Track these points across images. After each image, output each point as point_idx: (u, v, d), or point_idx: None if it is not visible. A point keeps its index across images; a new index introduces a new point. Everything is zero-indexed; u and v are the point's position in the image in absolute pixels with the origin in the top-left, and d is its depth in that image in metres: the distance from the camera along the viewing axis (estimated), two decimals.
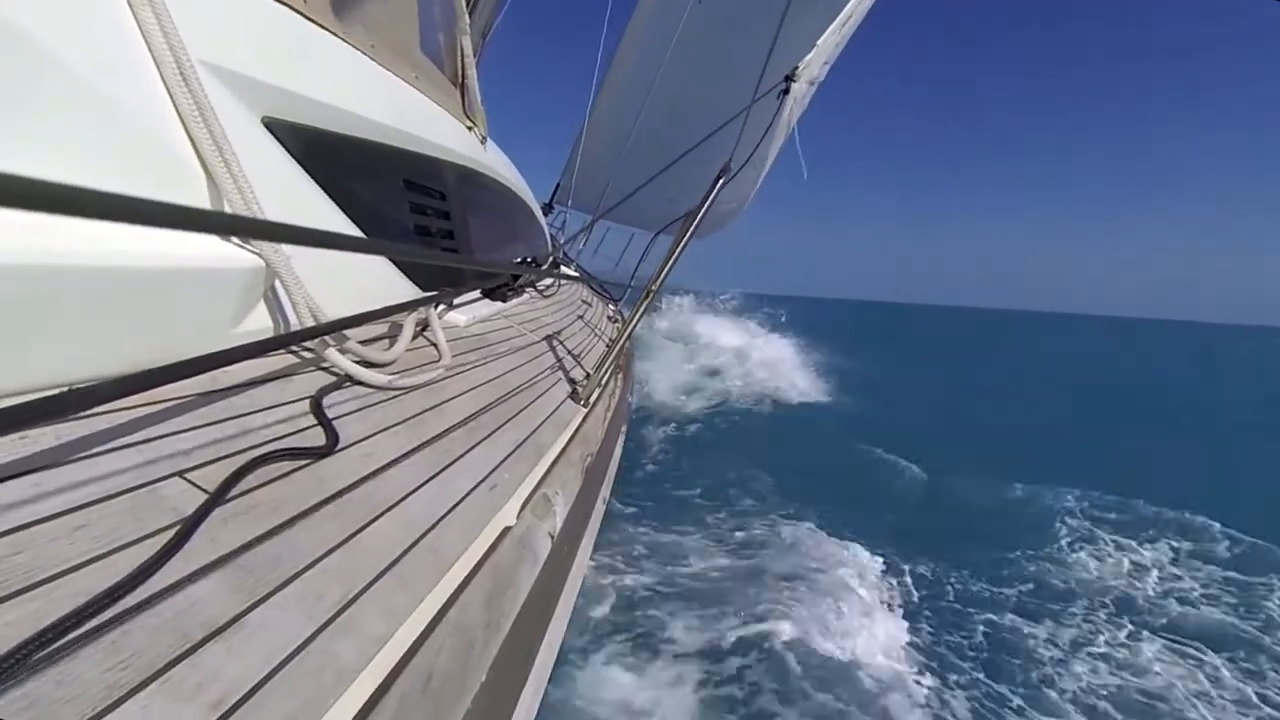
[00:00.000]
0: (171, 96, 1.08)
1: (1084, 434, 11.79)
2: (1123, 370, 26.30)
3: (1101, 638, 4.79)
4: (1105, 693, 4.19)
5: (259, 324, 1.26)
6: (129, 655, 0.53)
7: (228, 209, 1.16)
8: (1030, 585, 5.51)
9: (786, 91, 2.55)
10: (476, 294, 2.75)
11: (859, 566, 5.44)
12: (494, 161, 3.48)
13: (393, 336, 1.65)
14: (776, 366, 15.00)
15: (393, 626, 0.71)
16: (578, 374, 2.27)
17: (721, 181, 2.23)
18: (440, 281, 2.22)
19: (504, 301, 2.87)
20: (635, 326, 2.36)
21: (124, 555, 0.63)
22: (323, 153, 1.58)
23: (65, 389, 0.85)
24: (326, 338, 1.33)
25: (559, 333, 2.86)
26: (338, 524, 0.84)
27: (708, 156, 2.73)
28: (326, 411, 1.12)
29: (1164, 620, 5.07)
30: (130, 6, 1.02)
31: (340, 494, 0.91)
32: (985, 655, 4.49)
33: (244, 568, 0.69)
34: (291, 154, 1.45)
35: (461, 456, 1.21)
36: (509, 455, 1.31)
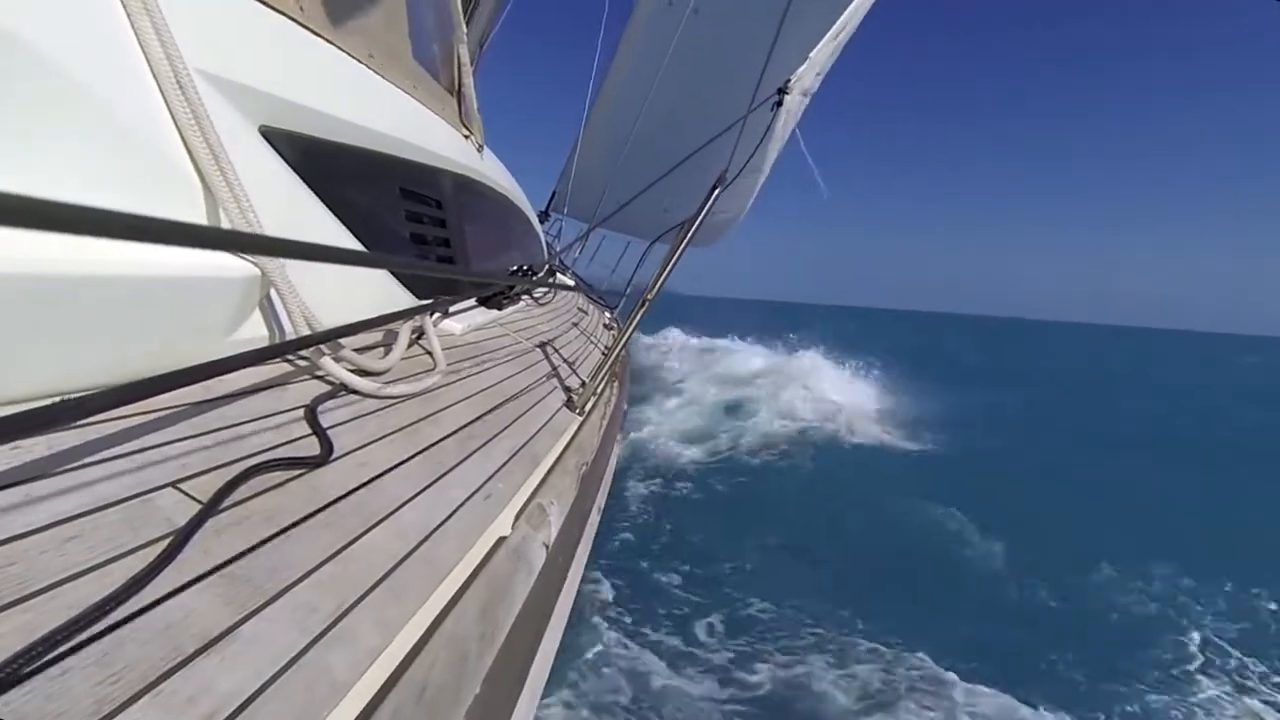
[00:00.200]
0: (168, 105, 1.08)
1: (1227, 498, 8.71)
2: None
3: None
4: None
5: (254, 332, 1.26)
6: (121, 668, 0.53)
7: (224, 218, 1.16)
8: None
9: (779, 104, 2.57)
10: (472, 302, 2.75)
11: None
12: (490, 170, 3.49)
13: (388, 345, 1.65)
14: (815, 394, 12.83)
15: (386, 638, 0.71)
16: (573, 382, 2.27)
17: (717, 191, 2.25)
18: (436, 290, 2.22)
19: (499, 310, 2.87)
20: (631, 335, 2.36)
21: (117, 566, 0.63)
22: (319, 161, 1.58)
23: (58, 399, 0.84)
24: (321, 346, 1.32)
25: (554, 341, 2.86)
26: (331, 534, 0.84)
27: (703, 165, 2.75)
28: (321, 420, 1.12)
29: None
30: (127, 15, 1.02)
31: (334, 504, 0.91)
32: None
33: (237, 579, 0.69)
34: (288, 162, 1.46)
35: (456, 466, 1.21)
36: (504, 464, 1.31)
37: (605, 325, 4.49)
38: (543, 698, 1.12)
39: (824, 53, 2.68)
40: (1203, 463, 10.73)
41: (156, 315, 1.02)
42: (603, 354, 2.47)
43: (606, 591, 4.95)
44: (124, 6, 1.01)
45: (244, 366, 0.89)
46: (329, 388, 1.29)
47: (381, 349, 1.65)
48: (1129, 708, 4.12)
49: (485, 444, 1.37)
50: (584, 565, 1.60)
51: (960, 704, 3.96)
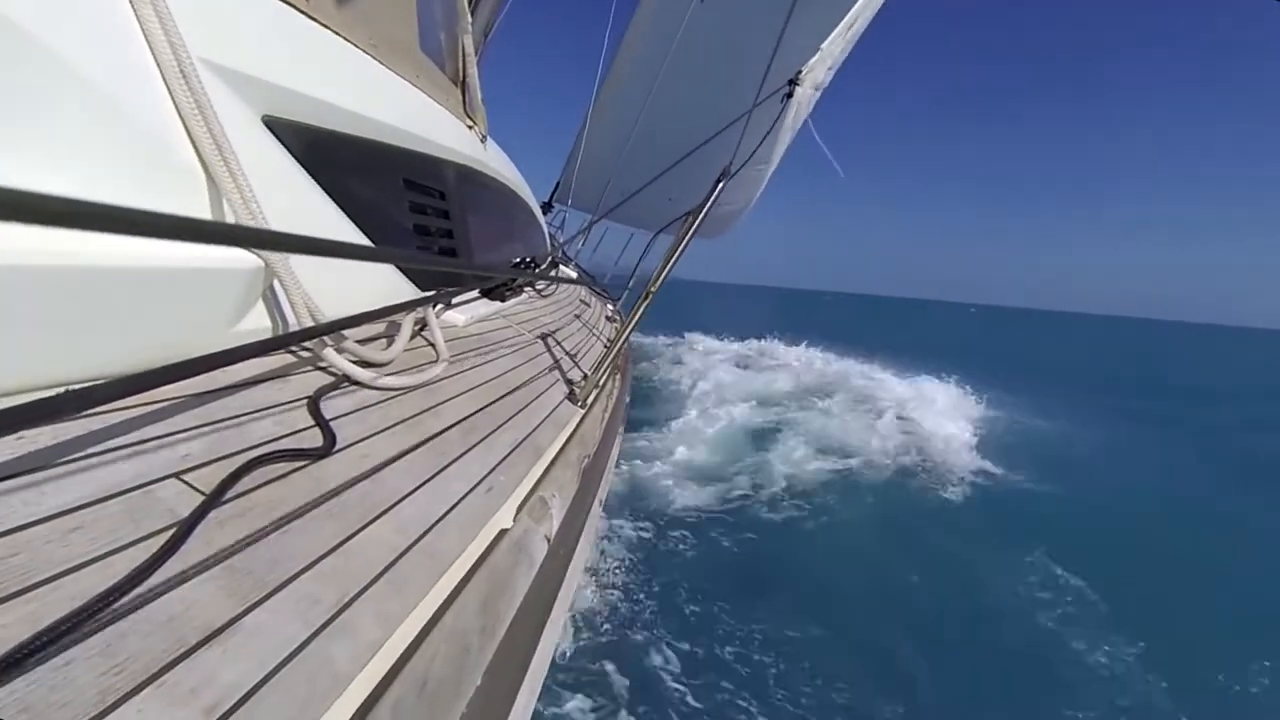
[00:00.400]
0: (171, 94, 1.08)
1: None
2: None
3: None
4: None
5: (257, 324, 1.26)
6: (124, 659, 0.53)
7: (227, 208, 1.16)
8: None
9: (790, 95, 2.55)
10: (475, 294, 2.75)
11: None
12: (494, 160, 3.48)
13: (391, 336, 1.65)
14: (878, 415, 10.58)
15: (388, 630, 0.71)
16: (575, 375, 2.27)
17: (722, 184, 2.23)
18: (439, 281, 2.21)
19: (502, 301, 2.87)
20: (634, 327, 2.36)
21: (120, 557, 0.63)
22: (323, 151, 1.58)
23: (62, 390, 0.84)
24: (324, 338, 1.33)
25: (557, 333, 2.86)
26: (334, 526, 0.84)
27: (709, 157, 2.74)
28: (324, 412, 1.12)
29: None
30: (130, 4, 1.02)
31: (337, 495, 0.91)
32: None
33: (240, 570, 0.69)
34: (291, 152, 1.45)
35: (458, 458, 1.21)
36: (506, 457, 1.31)
37: (608, 317, 4.48)
38: (543, 691, 1.12)
39: (835, 46, 2.66)
40: None
41: (160, 307, 1.02)
42: (605, 346, 2.47)
43: (580, 663, 3.94)
44: None
45: (247, 358, 0.89)
46: (332, 379, 1.29)
47: (384, 340, 1.65)
48: None
49: (487, 436, 1.37)
50: (585, 558, 1.60)
51: None
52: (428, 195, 2.34)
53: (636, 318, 2.30)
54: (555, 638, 1.26)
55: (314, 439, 1.03)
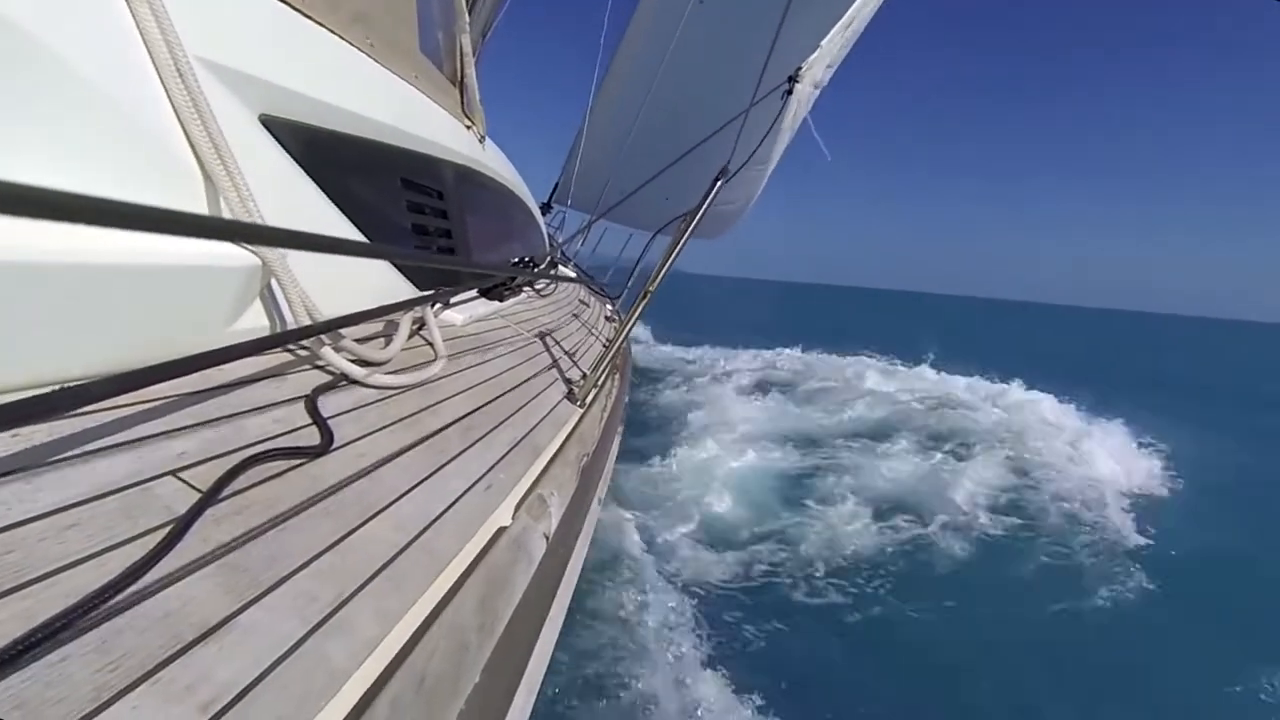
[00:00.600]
0: (168, 93, 1.08)
1: None
2: None
3: None
4: None
5: (254, 322, 1.26)
6: (119, 655, 0.53)
7: (224, 207, 1.15)
8: None
9: (789, 93, 2.55)
10: (473, 293, 2.75)
11: None
12: (492, 161, 3.48)
13: (389, 335, 1.65)
14: (983, 456, 8.22)
15: (385, 628, 0.71)
16: (574, 374, 2.27)
17: (720, 182, 2.23)
18: (437, 280, 2.21)
19: (501, 301, 2.87)
20: (633, 326, 2.35)
21: (115, 555, 0.63)
22: (320, 151, 1.57)
23: (57, 387, 0.84)
24: (322, 336, 1.32)
25: (556, 332, 2.86)
26: (331, 524, 0.84)
27: (708, 157, 2.74)
28: (321, 410, 1.12)
29: None
30: (127, 2, 1.02)
31: (334, 494, 0.91)
32: None
33: (236, 568, 0.69)
34: (289, 152, 1.45)
35: (457, 456, 1.21)
36: (504, 455, 1.31)
37: (607, 317, 4.48)
38: (541, 689, 1.12)
39: (835, 43, 2.66)
40: None
41: (157, 304, 1.02)
42: (604, 346, 2.47)
43: None
44: None
45: (245, 356, 0.89)
46: (329, 378, 1.29)
47: (382, 339, 1.65)
48: None
49: (486, 435, 1.37)
50: (584, 557, 1.60)
51: None
52: (426, 195, 2.34)
53: (635, 316, 2.30)
54: (555, 636, 1.25)
55: (311, 437, 1.03)
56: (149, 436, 0.84)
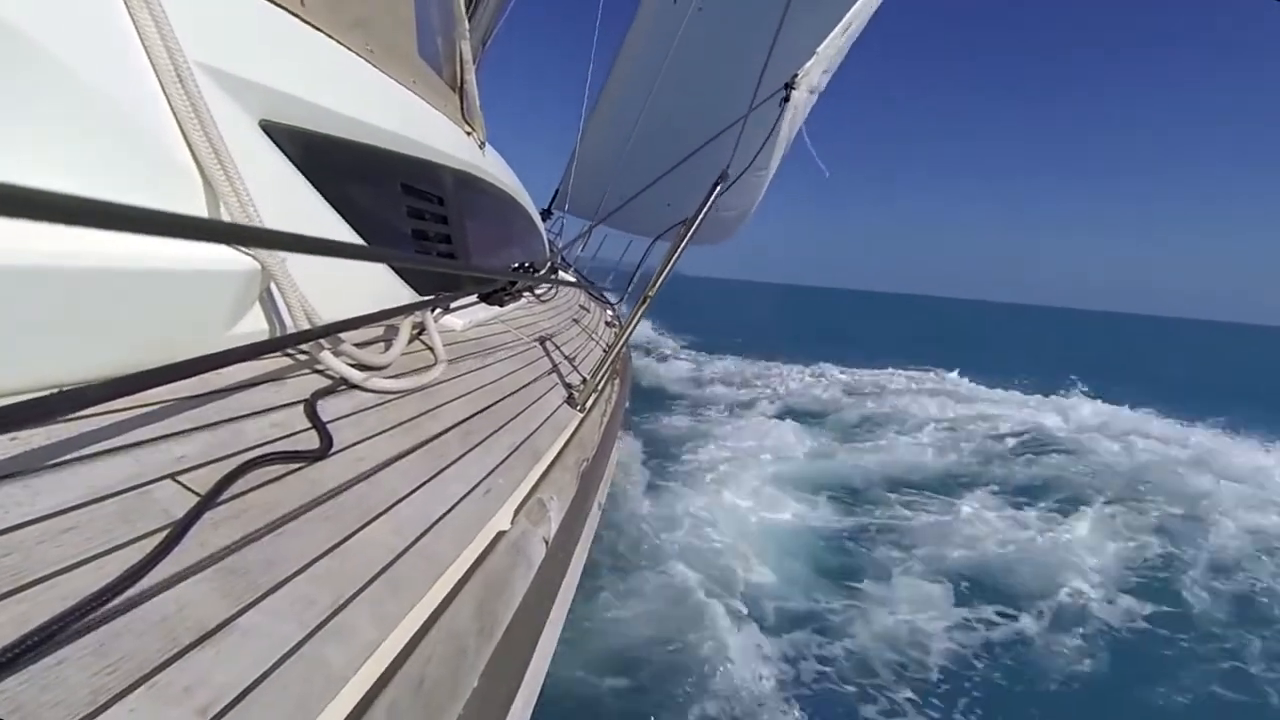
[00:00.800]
0: (168, 98, 1.08)
1: None
2: None
3: None
4: None
5: (254, 326, 1.26)
6: (117, 659, 0.53)
7: (224, 212, 1.16)
8: None
9: (787, 99, 2.56)
10: (473, 298, 2.75)
11: None
12: (492, 167, 3.49)
13: (388, 340, 1.65)
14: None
15: (384, 632, 0.70)
16: (574, 379, 2.27)
17: (719, 188, 2.24)
18: (437, 285, 2.21)
19: (501, 306, 2.87)
20: (632, 332, 2.36)
21: (113, 558, 0.63)
22: (320, 157, 1.58)
23: (56, 390, 0.84)
24: (322, 340, 1.32)
25: (556, 337, 2.86)
26: (330, 528, 0.84)
27: (707, 163, 2.74)
28: (320, 414, 1.12)
29: None
30: (127, 7, 1.02)
31: (333, 498, 0.91)
32: None
33: (234, 571, 0.69)
34: (289, 157, 1.45)
35: (456, 461, 1.20)
36: (504, 460, 1.31)
37: (607, 322, 4.48)
38: (540, 695, 1.12)
39: (831, 49, 2.67)
40: None
41: (156, 308, 1.02)
42: (604, 351, 2.48)
43: None
44: None
45: (244, 360, 0.89)
46: (329, 382, 1.29)
47: (382, 344, 1.65)
48: None
49: (485, 439, 1.37)
50: (584, 562, 1.60)
51: None
52: (426, 201, 2.34)
53: (635, 321, 2.30)
54: (554, 640, 1.25)
55: (310, 441, 1.03)
56: (147, 440, 0.84)
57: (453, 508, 1.03)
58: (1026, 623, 4.49)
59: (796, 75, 2.55)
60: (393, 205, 2.10)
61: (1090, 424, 10.03)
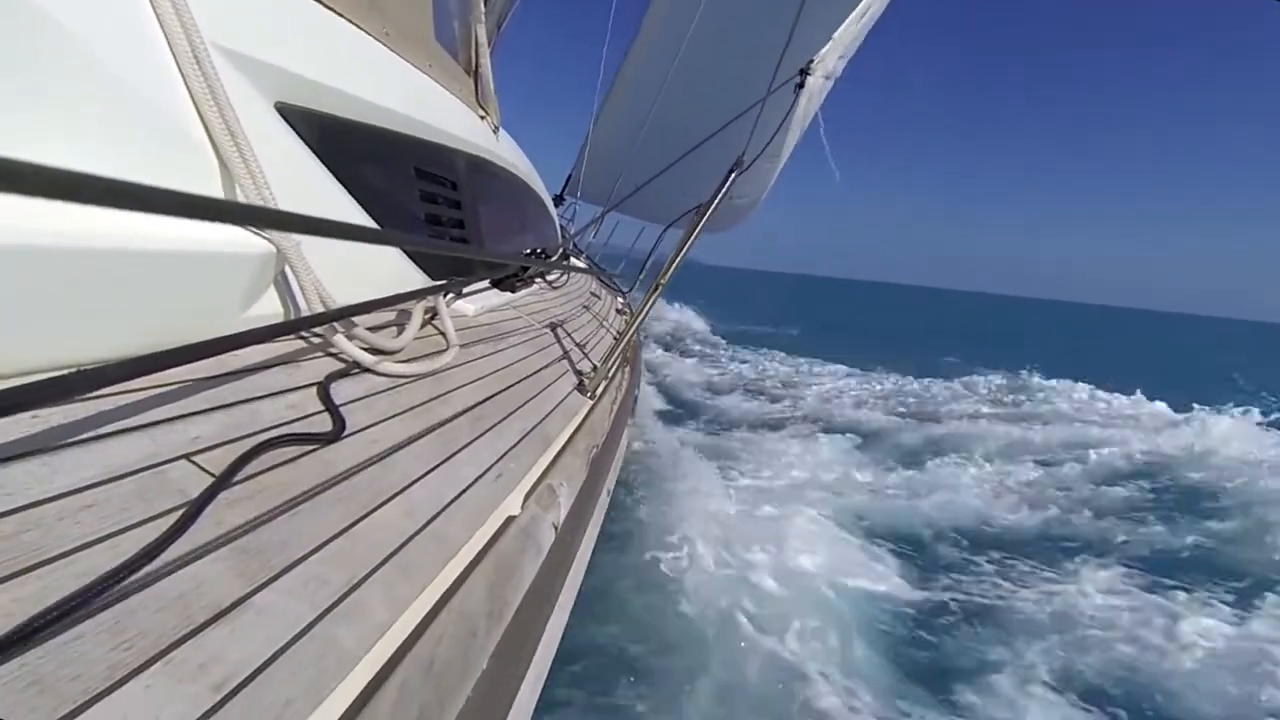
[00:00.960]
0: (185, 80, 1.08)
1: None
2: None
3: None
4: None
5: (268, 309, 1.26)
6: (133, 635, 0.54)
7: (239, 194, 1.16)
8: None
9: (801, 85, 2.53)
10: (485, 284, 2.75)
11: None
12: (506, 152, 3.48)
13: (401, 324, 1.66)
14: None
15: (395, 613, 0.71)
16: (585, 366, 2.27)
17: (734, 175, 2.22)
18: (449, 270, 2.22)
19: (513, 292, 2.87)
20: (643, 319, 2.35)
21: (129, 536, 0.64)
22: (335, 139, 1.58)
23: (74, 370, 0.85)
24: (335, 324, 1.33)
25: (567, 324, 2.86)
26: (342, 510, 0.85)
27: (721, 150, 2.72)
28: (333, 397, 1.12)
29: None
30: None
31: (345, 480, 0.92)
32: None
33: (248, 551, 0.70)
34: (304, 140, 1.46)
35: (467, 445, 1.21)
36: (515, 445, 1.31)
37: (618, 309, 4.48)
38: (548, 678, 1.13)
39: (848, 34, 2.64)
40: None
41: (172, 289, 1.03)
42: (615, 338, 2.47)
43: None
44: None
45: (258, 342, 0.90)
46: (342, 365, 1.30)
47: (395, 328, 1.65)
48: None
49: (496, 424, 1.37)
50: (593, 547, 1.61)
51: None
52: (439, 185, 2.34)
53: (646, 309, 2.30)
54: (563, 624, 1.26)
55: (324, 424, 1.04)
56: (164, 420, 0.85)
57: (464, 492, 1.04)
58: None
59: (812, 62, 2.52)
60: (406, 189, 2.10)
61: (1259, 456, 7.45)
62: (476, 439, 1.26)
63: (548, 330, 2.55)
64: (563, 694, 3.02)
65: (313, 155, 1.49)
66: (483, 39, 2.95)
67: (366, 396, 1.23)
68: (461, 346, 1.74)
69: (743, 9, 6.73)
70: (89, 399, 0.81)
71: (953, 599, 4.42)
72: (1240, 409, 10.27)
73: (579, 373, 2.13)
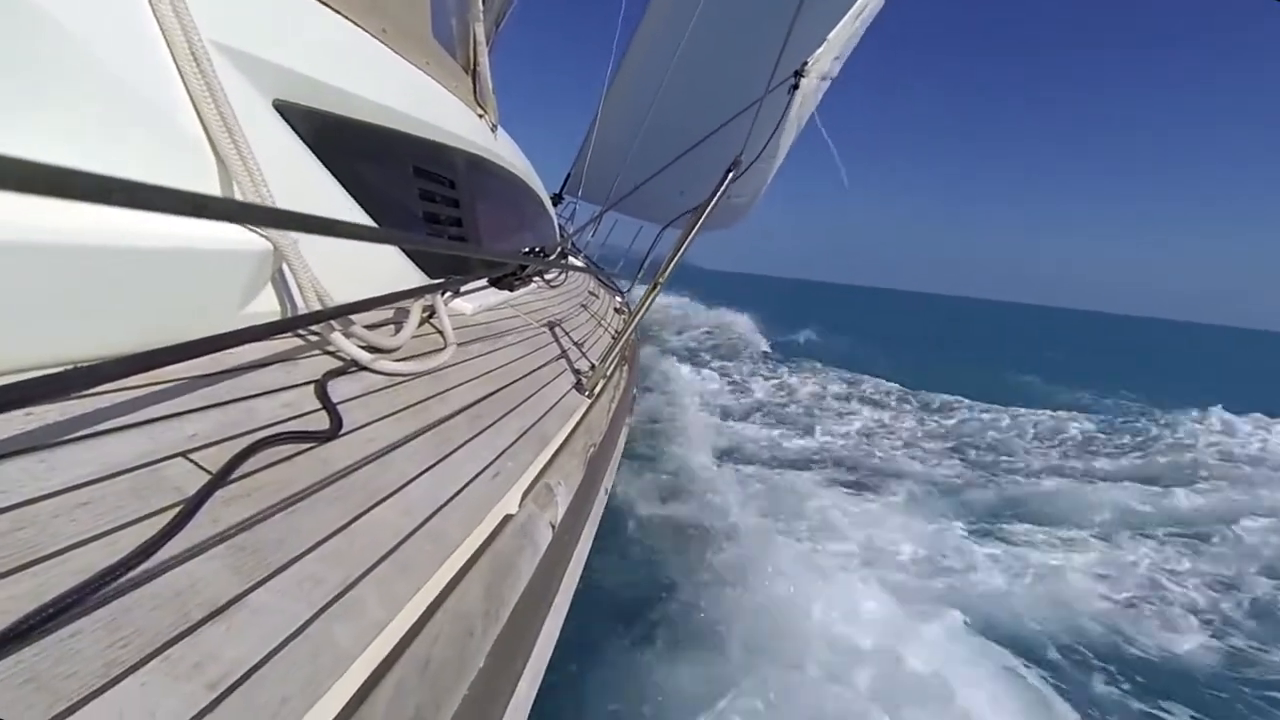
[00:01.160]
0: (182, 76, 1.08)
1: None
2: None
3: None
4: None
5: (265, 306, 1.26)
6: (129, 633, 0.54)
7: (237, 191, 1.16)
8: None
9: (796, 87, 2.53)
10: (483, 282, 2.75)
11: None
12: (504, 150, 3.47)
13: (399, 322, 1.65)
14: None
15: (391, 612, 0.71)
16: (583, 365, 2.27)
17: (731, 175, 2.22)
18: (447, 269, 2.22)
19: (511, 290, 2.87)
20: (641, 318, 2.35)
21: (126, 534, 0.64)
22: (332, 137, 1.58)
23: (70, 367, 0.85)
24: (332, 322, 1.33)
25: (565, 323, 2.86)
26: (339, 508, 0.84)
27: (718, 150, 2.72)
28: (331, 395, 1.12)
29: None
30: None
31: (342, 478, 0.92)
32: None
33: (245, 549, 0.70)
34: (301, 137, 1.45)
35: (465, 444, 1.21)
36: (512, 444, 1.31)
37: (616, 309, 4.48)
38: (544, 678, 1.13)
39: (843, 35, 2.63)
40: None
41: (169, 287, 1.02)
42: (613, 337, 2.47)
43: None
44: None
45: (255, 340, 0.89)
46: (339, 363, 1.30)
47: (392, 326, 1.65)
48: None
49: (494, 423, 1.37)
50: (590, 546, 1.61)
51: None
52: (437, 183, 2.34)
53: (644, 308, 2.30)
54: (559, 624, 1.26)
55: (320, 422, 1.04)
56: (160, 417, 0.85)
57: (461, 490, 1.04)
58: None
59: (807, 63, 2.52)
60: (404, 187, 2.10)
61: None
62: (474, 438, 1.26)
63: (546, 329, 2.55)
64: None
65: (310, 153, 1.49)
66: (481, 37, 2.95)
67: (364, 395, 1.23)
68: (459, 345, 1.74)
69: (740, 10, 6.73)
70: (85, 396, 0.81)
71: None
72: None
73: (577, 372, 2.13)
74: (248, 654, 0.57)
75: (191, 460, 0.80)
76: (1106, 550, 5.09)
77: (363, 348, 1.36)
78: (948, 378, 11.82)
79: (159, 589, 0.60)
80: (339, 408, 1.09)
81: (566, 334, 2.66)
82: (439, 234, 2.33)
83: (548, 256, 3.76)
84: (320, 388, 1.14)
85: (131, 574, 0.59)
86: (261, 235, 1.20)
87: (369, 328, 1.46)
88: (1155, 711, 3.31)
